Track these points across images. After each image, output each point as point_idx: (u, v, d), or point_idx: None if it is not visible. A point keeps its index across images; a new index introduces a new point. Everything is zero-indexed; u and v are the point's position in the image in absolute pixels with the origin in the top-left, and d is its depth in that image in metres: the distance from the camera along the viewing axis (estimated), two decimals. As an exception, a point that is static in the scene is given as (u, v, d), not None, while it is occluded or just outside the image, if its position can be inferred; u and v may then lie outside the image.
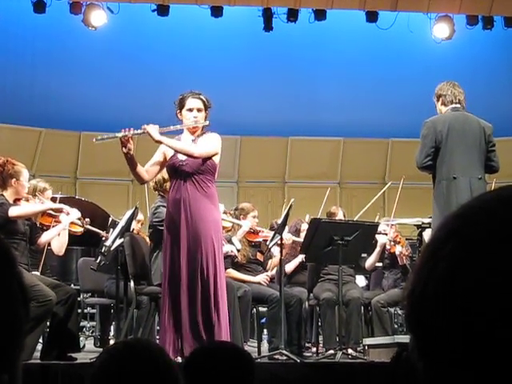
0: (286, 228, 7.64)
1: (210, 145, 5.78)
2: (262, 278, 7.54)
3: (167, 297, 5.68)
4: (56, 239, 6.80)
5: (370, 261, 7.93)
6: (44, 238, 6.45)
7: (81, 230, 6.73)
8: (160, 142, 5.72)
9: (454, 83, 6.35)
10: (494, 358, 0.71)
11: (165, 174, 6.27)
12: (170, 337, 5.62)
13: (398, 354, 1.12)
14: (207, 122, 5.84)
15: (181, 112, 5.87)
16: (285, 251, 7.57)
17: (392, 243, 8.06)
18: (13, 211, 5.96)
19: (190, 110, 5.82)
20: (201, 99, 5.86)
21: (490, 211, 0.75)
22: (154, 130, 5.66)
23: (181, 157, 5.74)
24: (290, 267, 7.88)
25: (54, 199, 6.94)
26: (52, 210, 6.42)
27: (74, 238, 6.90)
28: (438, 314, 0.74)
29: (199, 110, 5.83)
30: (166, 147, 5.78)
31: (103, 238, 6.84)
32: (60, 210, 6.45)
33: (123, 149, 5.61)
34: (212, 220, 5.70)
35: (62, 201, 7.03)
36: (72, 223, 6.60)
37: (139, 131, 5.66)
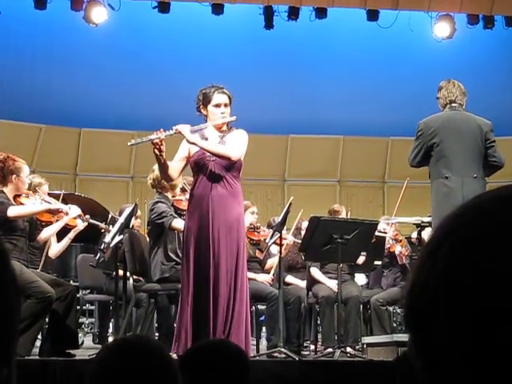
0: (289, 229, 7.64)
1: (242, 145, 5.71)
2: (266, 278, 7.54)
3: (190, 294, 5.60)
4: (56, 244, 6.84)
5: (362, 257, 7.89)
6: (44, 234, 6.46)
7: (81, 224, 6.72)
8: (194, 144, 5.63)
9: (452, 82, 6.32)
10: (493, 356, 0.71)
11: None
12: (188, 330, 5.57)
13: (404, 355, 1.12)
14: (234, 118, 5.75)
15: (205, 107, 5.75)
16: (285, 251, 7.57)
17: (392, 242, 8.06)
18: (11, 211, 5.94)
19: (218, 105, 5.71)
20: (226, 94, 5.76)
21: (489, 211, 0.75)
22: (186, 129, 5.57)
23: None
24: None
25: (57, 196, 6.94)
26: (51, 209, 6.39)
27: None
28: (436, 313, 0.74)
29: (226, 105, 5.73)
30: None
31: (103, 230, 6.85)
32: (59, 211, 6.43)
33: (155, 151, 5.51)
34: (236, 217, 5.63)
35: (63, 197, 7.03)
36: (71, 219, 6.61)
37: (171, 132, 5.54)
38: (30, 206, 6.18)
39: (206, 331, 5.47)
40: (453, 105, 6.24)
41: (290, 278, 7.98)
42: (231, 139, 5.75)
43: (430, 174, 6.24)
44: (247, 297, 5.70)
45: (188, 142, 5.63)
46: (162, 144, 5.47)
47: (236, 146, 5.68)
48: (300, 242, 7.28)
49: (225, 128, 5.81)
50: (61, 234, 6.88)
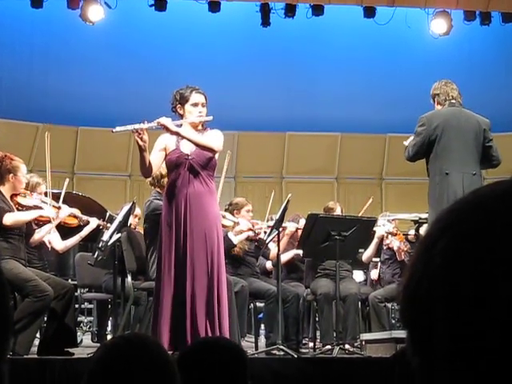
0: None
1: (221, 140, 5.78)
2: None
3: (165, 290, 5.62)
4: (65, 241, 6.84)
5: (368, 253, 7.92)
6: (36, 236, 6.41)
7: (76, 222, 6.74)
8: (178, 134, 5.67)
9: (446, 81, 6.37)
10: (490, 354, 0.71)
11: (163, 169, 6.22)
12: (167, 329, 5.58)
13: (402, 352, 1.12)
14: (211, 117, 5.81)
15: (182, 107, 5.80)
16: (283, 246, 7.56)
17: (390, 238, 8.07)
18: (7, 219, 5.95)
19: (196, 104, 5.78)
20: (203, 94, 5.85)
21: (484, 206, 0.75)
22: (168, 121, 5.62)
23: (186, 151, 5.69)
24: (284, 258, 7.83)
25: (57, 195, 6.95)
26: (42, 216, 6.39)
27: (71, 233, 6.93)
28: (432, 309, 0.74)
29: (203, 105, 5.81)
30: (167, 139, 5.73)
31: (101, 227, 6.84)
32: (49, 217, 6.43)
33: (137, 139, 5.52)
34: (214, 215, 5.69)
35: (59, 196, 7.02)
36: (68, 216, 6.61)
37: (153, 124, 5.59)
38: (26, 213, 6.17)
39: (183, 329, 5.48)
40: (452, 101, 6.26)
41: (269, 264, 8.03)
42: (208, 136, 5.79)
43: (427, 169, 6.24)
44: (226, 290, 5.72)
45: (170, 133, 5.66)
46: (144, 133, 5.50)
47: (215, 139, 5.75)
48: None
49: (200, 128, 5.86)
50: (66, 233, 6.91)
